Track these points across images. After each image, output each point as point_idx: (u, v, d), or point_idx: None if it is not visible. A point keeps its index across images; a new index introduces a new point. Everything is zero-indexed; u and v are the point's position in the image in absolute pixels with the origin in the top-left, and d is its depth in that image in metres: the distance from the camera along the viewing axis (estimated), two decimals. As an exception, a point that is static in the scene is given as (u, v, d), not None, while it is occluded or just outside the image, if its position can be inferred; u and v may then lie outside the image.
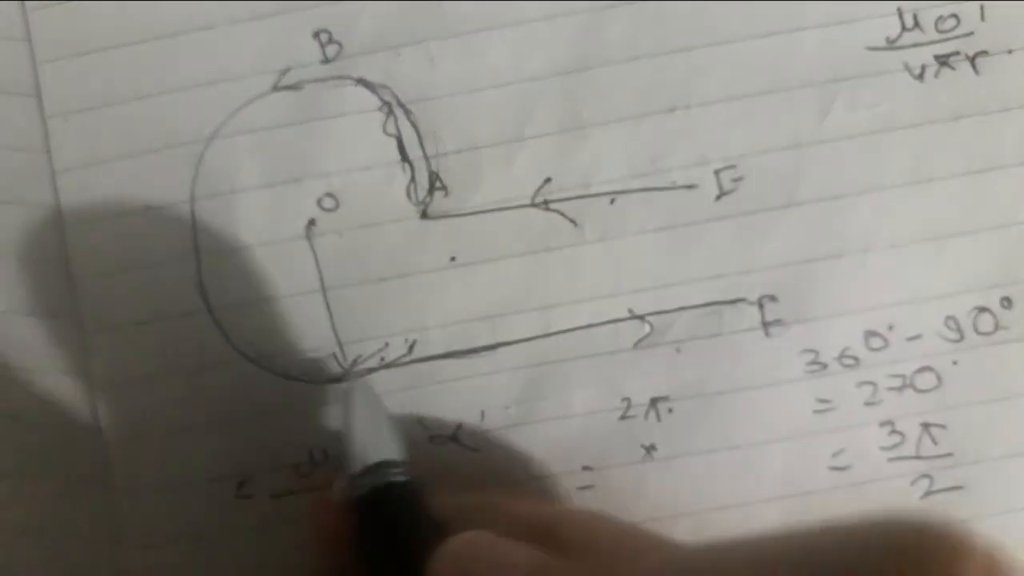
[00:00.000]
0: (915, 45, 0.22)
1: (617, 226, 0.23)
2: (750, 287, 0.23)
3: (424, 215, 0.23)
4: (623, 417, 0.23)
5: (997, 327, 0.23)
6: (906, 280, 0.23)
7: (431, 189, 0.23)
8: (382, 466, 0.20)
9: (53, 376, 0.23)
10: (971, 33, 0.22)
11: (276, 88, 0.23)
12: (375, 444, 0.20)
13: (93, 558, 0.24)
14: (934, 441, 0.23)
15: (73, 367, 0.23)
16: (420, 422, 0.23)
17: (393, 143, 0.23)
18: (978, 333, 0.23)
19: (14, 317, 0.23)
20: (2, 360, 0.23)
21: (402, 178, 0.23)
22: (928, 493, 0.23)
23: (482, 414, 0.23)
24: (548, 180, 0.23)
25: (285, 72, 0.22)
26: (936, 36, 0.22)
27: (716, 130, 0.22)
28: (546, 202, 0.23)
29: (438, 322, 0.23)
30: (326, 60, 0.22)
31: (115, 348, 0.23)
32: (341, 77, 0.22)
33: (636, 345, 0.23)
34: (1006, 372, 0.23)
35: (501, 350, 0.23)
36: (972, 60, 0.22)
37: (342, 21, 0.22)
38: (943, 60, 0.22)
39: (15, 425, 0.24)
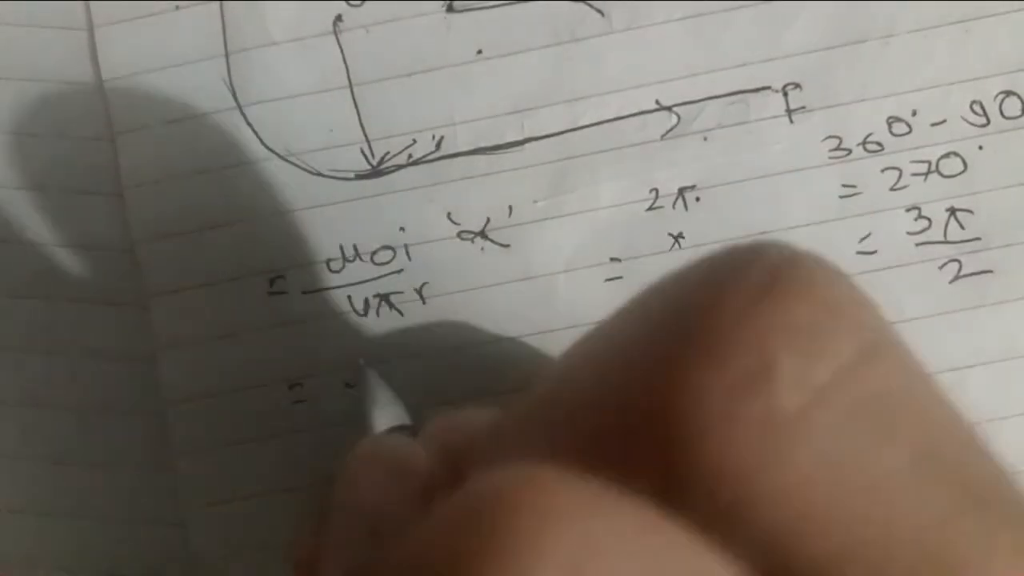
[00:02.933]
0: None
1: (643, 16, 0.23)
2: (775, 75, 0.23)
3: (450, 8, 0.23)
4: (651, 208, 0.23)
5: None
6: (930, 65, 0.23)
7: (457, -17, 0.23)
8: (400, 429, 0.21)
9: (77, 191, 0.24)
10: None
11: None
12: (390, 414, 0.21)
13: (123, 369, 0.24)
14: (961, 226, 0.23)
15: (100, 169, 0.23)
16: (448, 217, 0.23)
17: (419, -63, 0.23)
18: (1005, 117, 0.23)
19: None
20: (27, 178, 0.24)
21: (428, -28, 0.23)
22: (957, 277, 0.23)
23: (510, 209, 0.23)
24: (573, -29, 0.23)
25: None
26: None
27: (739, -83, 0.23)
28: (571, -6, 0.23)
29: (465, 117, 0.23)
30: None
31: (144, 147, 0.23)
32: None
33: (664, 136, 0.23)
34: (1032, 158, 0.23)
35: (528, 145, 0.23)
36: None
37: None
38: None
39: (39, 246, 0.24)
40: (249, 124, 0.23)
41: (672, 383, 0.10)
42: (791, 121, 0.23)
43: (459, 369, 0.23)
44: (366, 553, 0.14)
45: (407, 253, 0.23)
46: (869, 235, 0.23)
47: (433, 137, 0.23)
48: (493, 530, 0.09)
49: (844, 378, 0.10)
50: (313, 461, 0.24)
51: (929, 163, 0.23)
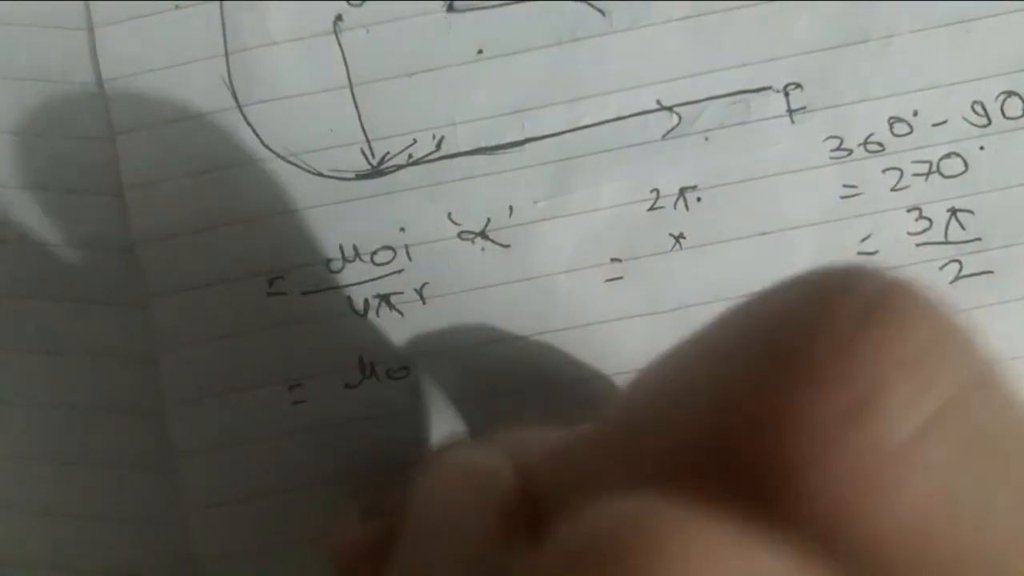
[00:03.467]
0: None
1: (644, 15, 0.23)
2: (776, 75, 0.23)
3: (451, 8, 0.23)
4: (652, 208, 0.23)
5: None
6: (931, 65, 0.23)
7: (458, -18, 0.23)
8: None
9: (77, 191, 0.24)
10: None
11: None
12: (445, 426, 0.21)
13: (126, 368, 0.24)
14: (962, 226, 0.23)
15: (100, 169, 0.23)
16: (449, 218, 0.23)
17: (419, -64, 0.23)
18: (1006, 118, 0.23)
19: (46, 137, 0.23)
20: (32, 176, 0.24)
21: (429, -29, 0.23)
22: (957, 278, 0.23)
23: (511, 209, 0.23)
24: (574, -29, 0.23)
25: None
26: None
27: (741, -83, 0.23)
28: (572, -7, 0.23)
29: (466, 117, 0.23)
30: None
31: (144, 147, 0.23)
32: None
33: (665, 136, 0.23)
34: (1033, 158, 0.23)
35: (529, 145, 0.23)
36: None
37: None
38: None
39: (42, 246, 0.24)
40: (249, 124, 0.23)
41: (776, 408, 0.10)
42: (792, 121, 0.23)
43: (459, 370, 0.23)
44: None
45: (407, 253, 0.23)
46: (870, 235, 0.23)
47: (433, 137, 0.23)
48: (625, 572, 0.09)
49: (954, 409, 0.10)
50: (312, 462, 0.23)
51: (930, 163, 0.23)
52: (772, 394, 0.10)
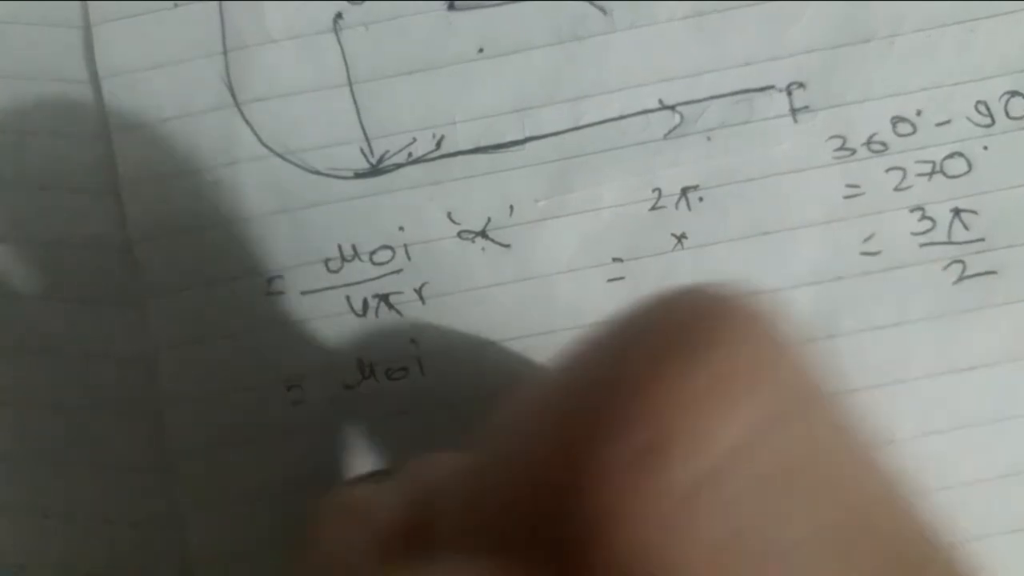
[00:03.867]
0: None
1: (646, 14, 0.23)
2: (779, 74, 0.23)
3: (451, 6, 0.23)
4: (654, 208, 0.23)
5: (1027, 113, 0.23)
6: (935, 65, 0.23)
7: (458, -20, 0.23)
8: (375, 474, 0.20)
9: (74, 190, 0.23)
10: None
11: None
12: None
13: (122, 369, 0.24)
14: (966, 227, 0.23)
15: (98, 168, 0.23)
16: (449, 217, 0.23)
17: (420, -67, 0.23)
18: (1010, 117, 0.23)
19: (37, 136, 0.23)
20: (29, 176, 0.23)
21: (429, -31, 0.23)
22: (961, 278, 0.23)
23: (511, 209, 0.23)
24: (575, -31, 0.23)
25: None
26: None
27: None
28: (574, -9, 0.23)
29: (466, 116, 0.23)
30: None
31: (142, 145, 0.23)
32: None
33: (666, 135, 0.23)
34: (1037, 158, 0.23)
35: (530, 144, 0.23)
36: None
37: None
38: None
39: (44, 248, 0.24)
40: (247, 122, 0.23)
41: (577, 459, 0.10)
42: (795, 121, 0.23)
43: (460, 370, 0.23)
44: None
45: (406, 253, 0.23)
46: (873, 235, 0.23)
47: (433, 136, 0.23)
48: None
49: (745, 448, 0.10)
50: (311, 462, 0.23)
51: (933, 163, 0.23)
52: (577, 443, 0.10)
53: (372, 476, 0.20)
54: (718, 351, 0.10)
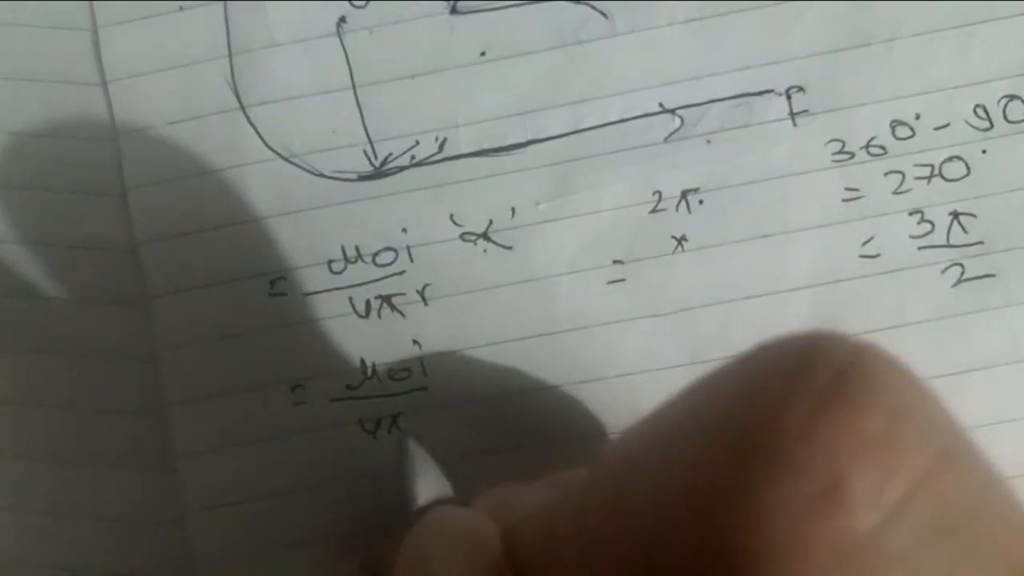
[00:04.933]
0: None
1: (647, 18, 0.23)
2: (778, 78, 0.23)
3: (454, 10, 0.23)
4: (654, 210, 0.23)
5: (1025, 117, 0.23)
6: (934, 68, 0.23)
7: (461, -16, 0.23)
8: (440, 503, 0.20)
9: (80, 192, 0.24)
10: None
11: None
12: (432, 485, 0.21)
13: (126, 370, 0.24)
14: (964, 230, 0.23)
15: (103, 170, 0.23)
16: (451, 219, 0.23)
17: (423, -62, 0.23)
18: (1008, 121, 0.23)
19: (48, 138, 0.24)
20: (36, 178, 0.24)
21: (432, -27, 0.23)
22: (960, 281, 0.23)
23: (513, 211, 0.23)
24: (577, -27, 0.23)
25: None
26: None
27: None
28: (575, -4, 0.23)
29: (468, 119, 0.23)
30: None
31: (147, 148, 0.23)
32: None
33: (667, 138, 0.23)
34: (1035, 162, 0.23)
35: (531, 147, 0.23)
36: None
37: None
38: None
39: (51, 248, 0.24)
40: (252, 125, 0.23)
41: (739, 502, 0.10)
42: (794, 124, 0.23)
43: (462, 371, 0.23)
44: None
45: (409, 255, 0.23)
46: (871, 239, 0.23)
47: (436, 139, 0.23)
48: None
49: (919, 491, 0.10)
50: (313, 462, 0.23)
51: (932, 167, 0.23)
52: (739, 486, 0.10)
53: (443, 503, 0.20)
54: (883, 396, 0.10)
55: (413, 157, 0.23)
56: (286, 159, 0.23)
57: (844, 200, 0.23)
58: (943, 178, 0.23)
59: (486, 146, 0.23)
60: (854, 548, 0.09)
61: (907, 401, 0.10)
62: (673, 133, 0.23)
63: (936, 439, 0.10)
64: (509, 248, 0.23)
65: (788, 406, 0.10)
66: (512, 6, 0.23)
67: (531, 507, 0.14)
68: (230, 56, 0.23)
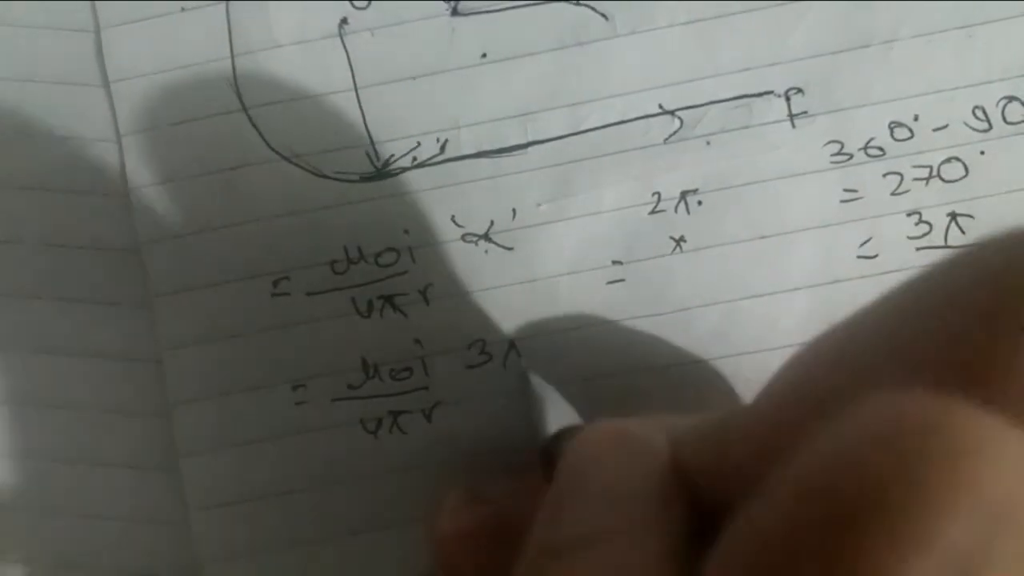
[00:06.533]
0: None
1: (647, 19, 0.23)
2: (777, 79, 0.23)
3: (455, 11, 0.23)
4: (653, 211, 0.23)
5: None
6: (933, 70, 0.23)
7: (462, -14, 0.23)
8: (569, 430, 0.20)
9: (82, 192, 0.24)
10: None
11: None
12: (561, 413, 0.21)
13: (129, 370, 0.24)
14: (962, 231, 0.23)
15: (106, 171, 0.24)
16: (453, 220, 0.23)
17: (424, -60, 0.23)
18: (1007, 123, 0.23)
19: (52, 137, 0.24)
20: (39, 180, 0.24)
21: (433, -25, 0.23)
22: (956, 282, 0.23)
23: (514, 212, 0.23)
24: (577, -25, 0.23)
25: None
26: None
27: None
28: (576, -2, 0.23)
29: (469, 120, 0.23)
30: None
31: (150, 148, 0.23)
32: None
33: (666, 140, 0.23)
34: (1033, 163, 0.23)
35: (532, 148, 0.23)
36: None
37: None
38: None
39: (51, 249, 0.24)
40: (254, 126, 0.23)
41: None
42: (793, 126, 0.23)
43: (463, 371, 0.24)
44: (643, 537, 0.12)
45: (411, 255, 0.23)
46: (870, 239, 0.23)
47: (437, 140, 0.23)
48: (919, 460, 0.08)
49: None
50: (315, 461, 0.24)
51: (930, 168, 0.23)
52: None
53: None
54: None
55: (415, 158, 0.23)
56: (288, 160, 0.23)
57: (842, 201, 0.23)
58: (941, 179, 0.23)
59: (487, 147, 0.23)
60: None
61: None
62: (673, 134, 0.23)
63: None
64: (510, 249, 0.23)
65: None
66: (513, 8, 0.23)
67: (689, 428, 0.14)
68: (232, 57, 0.23)
